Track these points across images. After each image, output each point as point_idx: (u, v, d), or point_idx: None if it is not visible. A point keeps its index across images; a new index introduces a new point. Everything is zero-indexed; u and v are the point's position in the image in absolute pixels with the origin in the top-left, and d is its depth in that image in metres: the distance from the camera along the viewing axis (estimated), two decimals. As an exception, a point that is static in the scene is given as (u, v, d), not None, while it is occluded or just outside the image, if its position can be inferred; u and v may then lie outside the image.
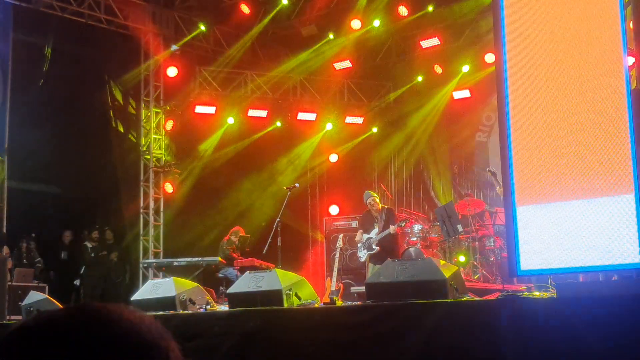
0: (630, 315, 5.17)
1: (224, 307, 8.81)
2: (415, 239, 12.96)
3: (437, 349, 6.05)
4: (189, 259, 13.11)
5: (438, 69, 16.72)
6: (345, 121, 18.00)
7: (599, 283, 6.05)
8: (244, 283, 8.18)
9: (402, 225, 11.97)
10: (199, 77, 16.96)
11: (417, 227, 13.11)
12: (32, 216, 15.00)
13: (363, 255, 12.23)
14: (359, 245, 12.32)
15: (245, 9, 16.11)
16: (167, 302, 8.57)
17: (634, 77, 6.39)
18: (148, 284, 9.72)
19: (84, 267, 15.33)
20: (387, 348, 6.31)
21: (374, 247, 11.92)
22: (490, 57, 15.11)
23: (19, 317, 10.25)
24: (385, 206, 12.44)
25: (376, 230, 11.96)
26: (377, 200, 12.24)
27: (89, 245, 15.47)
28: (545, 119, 6.11)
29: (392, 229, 11.71)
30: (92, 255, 15.40)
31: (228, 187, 16.93)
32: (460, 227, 11.69)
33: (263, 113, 17.40)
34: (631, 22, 6.54)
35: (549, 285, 6.30)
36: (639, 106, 5.75)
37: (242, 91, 17.38)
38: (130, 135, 16.55)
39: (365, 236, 12.12)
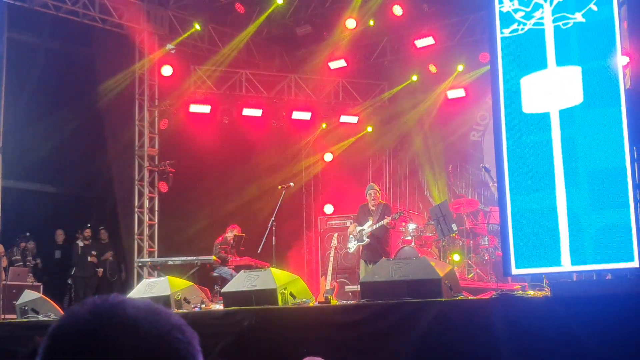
0: (624, 314, 5.19)
1: (218, 306, 8.82)
2: (409, 237, 12.98)
3: (431, 347, 6.07)
4: (183, 258, 13.10)
5: (433, 69, 16.72)
6: (340, 120, 17.99)
7: (593, 282, 6.07)
8: (239, 282, 8.18)
9: (397, 217, 11.94)
10: (194, 76, 16.93)
11: (411, 226, 13.13)
12: (27, 215, 14.98)
13: (353, 246, 12.21)
14: (350, 237, 12.32)
15: (240, 8, 16.09)
16: (162, 301, 8.57)
17: (628, 77, 6.40)
18: (143, 283, 9.72)
19: (75, 267, 15.31)
20: (381, 347, 6.32)
21: (364, 238, 11.91)
22: (484, 57, 15.13)
23: (14, 316, 10.24)
24: (383, 202, 12.45)
25: (370, 222, 11.95)
26: (378, 194, 12.24)
27: (80, 244, 15.45)
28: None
29: (386, 221, 11.69)
30: (80, 254, 15.36)
31: (222, 186, 16.92)
32: (454, 226, 11.71)
33: (258, 112, 17.38)
34: (625, 21, 6.56)
35: (544, 284, 6.32)
36: (633, 105, 5.77)
37: (236, 90, 17.36)
38: (127, 136, 16.51)
39: (358, 228, 12.11)
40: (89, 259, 15.36)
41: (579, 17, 6.04)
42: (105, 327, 1.22)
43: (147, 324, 1.24)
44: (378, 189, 12.39)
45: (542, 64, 6.20)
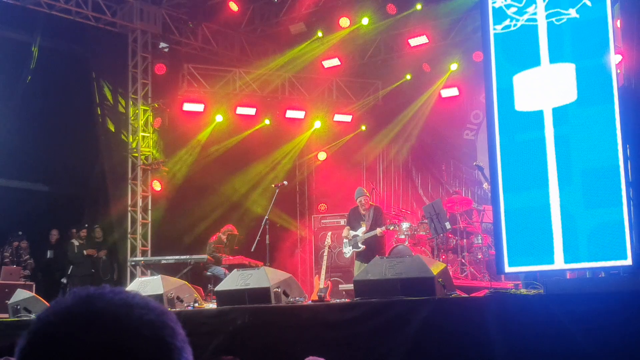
0: (617, 311, 5.20)
1: (212, 305, 8.80)
2: (403, 236, 12.98)
3: (424, 345, 6.06)
4: (177, 257, 13.09)
5: (426, 67, 16.74)
6: (334, 119, 18.00)
7: (586, 280, 6.07)
8: (232, 281, 8.17)
9: (390, 228, 11.99)
10: (187, 75, 16.91)
11: (405, 225, 13.14)
12: (19, 214, 14.93)
13: (348, 251, 12.24)
14: (344, 241, 12.32)
15: (233, 6, 16.07)
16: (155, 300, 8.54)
17: (622, 75, 6.40)
18: (135, 282, 9.71)
19: (71, 266, 15.27)
20: (375, 345, 6.31)
21: (359, 245, 11.92)
22: (478, 56, 15.13)
23: (5, 315, 10.20)
24: (374, 204, 12.45)
25: (363, 228, 11.95)
26: (369, 199, 12.24)
27: (75, 243, 15.40)
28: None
29: (378, 231, 11.70)
30: (76, 252, 15.32)
31: (216, 184, 16.90)
32: (448, 225, 11.72)
33: (251, 111, 17.37)
34: (619, 20, 6.56)
35: (537, 282, 6.31)
36: (626, 103, 5.78)
37: (230, 89, 17.34)
38: (121, 134, 16.47)
39: (352, 233, 12.11)
40: (85, 252, 15.32)
41: (572, 12, 6.03)
42: (71, 320, 1.21)
43: (110, 319, 1.22)
44: (368, 194, 12.38)
45: (535, 61, 6.18)
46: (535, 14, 6.23)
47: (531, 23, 6.25)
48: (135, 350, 1.21)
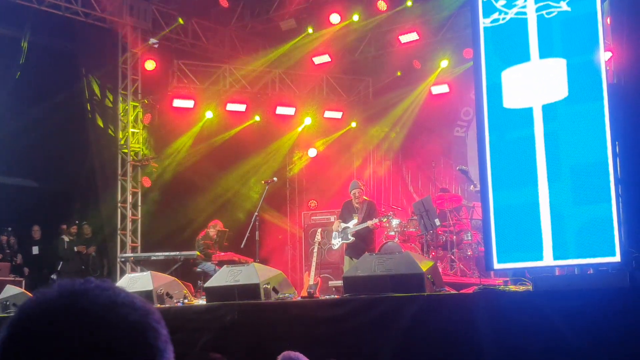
0: (604, 308, 5.21)
1: (201, 301, 8.79)
2: (393, 233, 12.98)
3: (414, 342, 6.07)
4: (166, 253, 13.06)
5: (417, 64, 16.74)
6: (324, 116, 17.98)
7: (575, 276, 6.09)
8: (222, 277, 8.16)
9: (384, 220, 11.98)
10: (177, 71, 16.86)
11: (395, 222, 13.13)
12: (8, 210, 14.87)
13: (337, 243, 12.24)
14: (334, 233, 12.32)
15: (224, 2, 16.03)
16: (144, 296, 8.51)
17: (611, 72, 6.41)
18: (125, 278, 9.69)
19: (60, 262, 15.23)
20: (364, 341, 6.32)
21: (349, 237, 11.92)
22: (468, 53, 15.14)
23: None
24: (367, 199, 12.45)
25: (355, 220, 11.95)
26: (363, 192, 12.25)
27: (65, 239, 15.35)
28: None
29: (370, 223, 11.71)
30: (66, 248, 15.28)
31: (206, 181, 16.88)
32: (437, 222, 11.72)
33: (242, 107, 17.34)
34: (608, 17, 6.57)
35: (525, 279, 6.33)
36: (615, 100, 5.79)
37: (220, 85, 17.30)
38: (109, 130, 16.41)
39: (343, 225, 12.11)
40: (76, 249, 15.28)
41: (563, 5, 5.98)
42: (53, 316, 1.20)
43: (93, 318, 1.20)
44: (362, 187, 12.39)
45: (524, 56, 6.15)
46: (524, 7, 6.17)
47: (521, 16, 6.20)
48: (117, 352, 1.20)
